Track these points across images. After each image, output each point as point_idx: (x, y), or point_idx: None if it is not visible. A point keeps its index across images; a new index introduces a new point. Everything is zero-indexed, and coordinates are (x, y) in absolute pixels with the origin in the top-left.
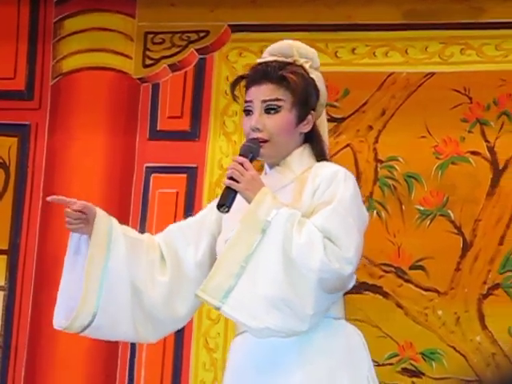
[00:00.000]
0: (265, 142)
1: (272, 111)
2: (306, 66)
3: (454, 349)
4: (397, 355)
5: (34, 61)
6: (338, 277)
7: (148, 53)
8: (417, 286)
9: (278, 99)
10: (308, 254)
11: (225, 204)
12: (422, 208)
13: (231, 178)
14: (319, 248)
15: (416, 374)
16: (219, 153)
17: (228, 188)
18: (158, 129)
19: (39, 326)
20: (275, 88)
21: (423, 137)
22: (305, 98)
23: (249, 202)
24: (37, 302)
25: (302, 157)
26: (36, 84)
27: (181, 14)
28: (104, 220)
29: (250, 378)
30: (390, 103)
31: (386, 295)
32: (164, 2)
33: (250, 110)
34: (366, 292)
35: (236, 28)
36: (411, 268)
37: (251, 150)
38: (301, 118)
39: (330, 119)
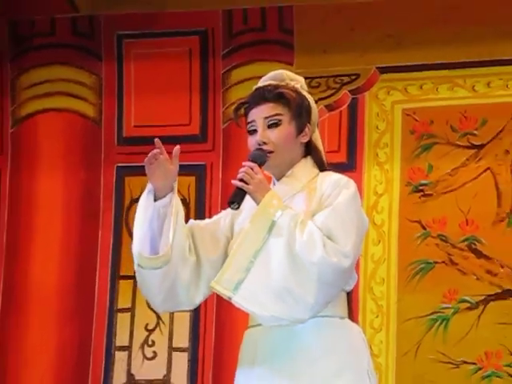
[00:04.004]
0: (271, 152)
1: (274, 125)
2: (297, 86)
3: None
4: None
5: (206, 108)
6: (336, 269)
7: None
8: None
9: (277, 114)
10: (309, 249)
11: (235, 201)
12: None
13: (242, 180)
14: (319, 244)
15: None
16: (374, 181)
17: (238, 188)
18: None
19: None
20: (274, 105)
21: None
22: (301, 111)
23: (257, 202)
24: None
25: (306, 168)
26: (209, 128)
27: (333, 60)
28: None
29: (268, 364)
30: None
31: None
32: (318, 49)
33: (255, 129)
34: (511, 298)
35: (383, 70)
36: None
37: (259, 158)
38: (299, 130)
39: (471, 146)
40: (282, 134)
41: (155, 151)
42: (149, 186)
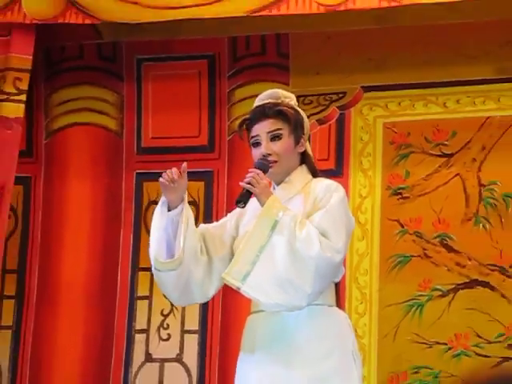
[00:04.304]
0: (275, 162)
1: (276, 138)
2: (291, 102)
3: None
4: (503, 335)
5: (213, 122)
6: (330, 263)
7: None
8: None
9: (278, 129)
10: (308, 246)
11: (242, 201)
12: None
13: (249, 183)
14: (316, 242)
15: None
16: (358, 185)
17: (246, 190)
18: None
19: None
20: (274, 121)
21: None
22: (297, 125)
23: (261, 204)
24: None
25: (302, 174)
26: (216, 140)
27: (324, 80)
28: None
29: (266, 349)
30: (489, 140)
31: (492, 288)
32: (311, 71)
33: (258, 142)
34: (478, 287)
35: (367, 89)
36: (511, 266)
37: (263, 166)
38: (297, 141)
39: (443, 155)
40: (283, 146)
41: (175, 174)
42: (162, 199)
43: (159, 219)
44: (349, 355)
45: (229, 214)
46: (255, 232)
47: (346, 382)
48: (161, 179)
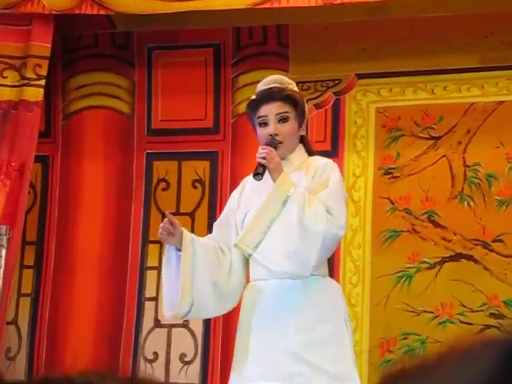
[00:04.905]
0: (281, 143)
1: (283, 121)
2: (295, 88)
3: None
4: (486, 304)
5: (218, 106)
6: (335, 238)
7: None
8: (498, 254)
9: (286, 112)
10: (316, 221)
11: (260, 174)
12: (499, 198)
13: (264, 158)
14: (323, 218)
15: (500, 317)
16: (352, 165)
17: (261, 165)
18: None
19: None
20: (283, 104)
21: (498, 147)
22: (302, 110)
23: (273, 179)
24: None
25: (299, 154)
26: (221, 122)
27: (321, 68)
28: (188, 236)
29: (264, 315)
30: (473, 124)
31: (476, 261)
32: (309, 60)
33: (266, 123)
34: (462, 260)
35: (360, 76)
36: (493, 241)
37: (273, 145)
38: (300, 125)
39: (430, 138)
40: (290, 129)
41: (167, 225)
42: (166, 246)
43: (166, 264)
44: (341, 322)
45: (229, 200)
46: (268, 205)
47: (339, 347)
48: (161, 236)
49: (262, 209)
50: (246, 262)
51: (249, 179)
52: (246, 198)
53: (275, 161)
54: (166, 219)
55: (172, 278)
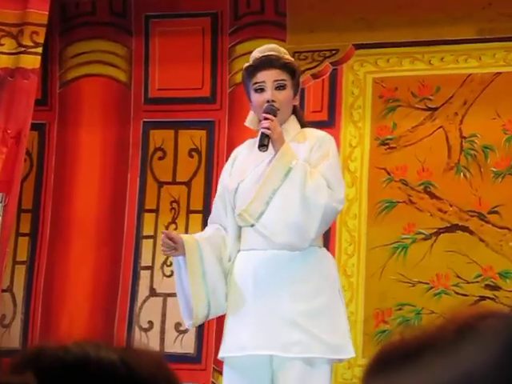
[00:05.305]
0: (278, 110)
1: (281, 88)
2: (290, 58)
3: None
4: (481, 275)
5: (215, 75)
6: (334, 211)
7: None
8: (493, 225)
9: (284, 80)
10: (317, 194)
11: (265, 145)
12: (495, 170)
13: (268, 128)
14: (325, 192)
15: (495, 288)
16: (349, 135)
17: (265, 135)
18: (306, 120)
19: None
20: (281, 72)
21: (494, 118)
22: (298, 79)
23: (275, 149)
24: None
25: (293, 124)
26: (218, 92)
27: (318, 38)
28: (190, 241)
29: (262, 285)
30: (470, 95)
31: (471, 233)
32: (306, 29)
33: (262, 88)
34: (458, 231)
35: (358, 46)
36: (489, 213)
37: (272, 111)
38: (295, 94)
39: (427, 109)
40: (286, 96)
41: (167, 240)
42: (173, 258)
43: (177, 274)
44: (336, 293)
45: (221, 176)
46: (271, 176)
47: (335, 318)
48: (166, 253)
49: (265, 179)
50: (239, 235)
51: (239, 149)
52: (240, 167)
53: (277, 131)
54: (162, 236)
55: (184, 285)
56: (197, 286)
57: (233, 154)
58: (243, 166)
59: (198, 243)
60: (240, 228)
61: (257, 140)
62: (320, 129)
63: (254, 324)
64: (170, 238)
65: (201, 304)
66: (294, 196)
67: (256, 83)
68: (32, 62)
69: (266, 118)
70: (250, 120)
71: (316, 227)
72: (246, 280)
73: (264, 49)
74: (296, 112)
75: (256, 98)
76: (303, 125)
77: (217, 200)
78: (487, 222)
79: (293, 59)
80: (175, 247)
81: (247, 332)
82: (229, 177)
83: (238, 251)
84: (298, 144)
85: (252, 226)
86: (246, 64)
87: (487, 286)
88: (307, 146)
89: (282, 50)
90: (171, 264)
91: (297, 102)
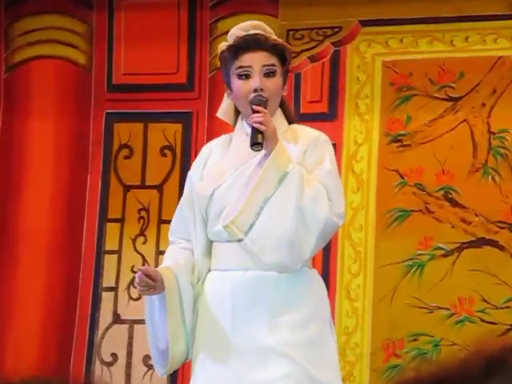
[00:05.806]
0: (267, 100)
1: (270, 75)
2: (278, 39)
3: None
4: None
5: (193, 57)
6: (334, 227)
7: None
8: None
9: (273, 65)
10: (315, 205)
11: (260, 143)
12: None
13: (261, 124)
14: (325, 203)
15: None
16: (354, 131)
17: (257, 131)
18: (301, 112)
19: None
20: (270, 55)
21: None
22: (288, 65)
23: (268, 149)
24: None
25: (281, 118)
26: (196, 77)
27: (317, 13)
28: (169, 275)
29: (245, 313)
30: (500, 83)
31: (501, 248)
32: (302, 2)
33: (248, 74)
34: (485, 246)
35: (365, 23)
36: None
37: (262, 103)
38: (284, 83)
39: (448, 99)
40: (276, 84)
41: (143, 279)
42: (146, 297)
43: (150, 324)
44: (326, 322)
45: (188, 176)
46: (263, 181)
47: (325, 350)
48: (144, 292)
49: (255, 186)
50: (209, 251)
51: (212, 147)
52: (214, 170)
53: (271, 127)
54: (138, 273)
55: (157, 327)
56: (175, 327)
57: (204, 152)
58: (219, 169)
59: (176, 278)
60: (211, 242)
61: (241, 137)
62: (320, 122)
63: (236, 358)
64: (148, 276)
65: (178, 349)
66: (289, 206)
67: (240, 67)
68: None
69: (255, 111)
70: (223, 110)
71: (312, 245)
72: (222, 307)
73: (247, 26)
74: (283, 105)
75: (239, 85)
76: (290, 121)
77: (183, 206)
78: None
79: (279, 40)
80: (154, 286)
81: (229, 369)
82: (200, 180)
83: (209, 271)
84: (288, 144)
85: (239, 241)
86: (225, 43)
87: None
88: (299, 147)
89: (268, 28)
90: None
91: (285, 93)
